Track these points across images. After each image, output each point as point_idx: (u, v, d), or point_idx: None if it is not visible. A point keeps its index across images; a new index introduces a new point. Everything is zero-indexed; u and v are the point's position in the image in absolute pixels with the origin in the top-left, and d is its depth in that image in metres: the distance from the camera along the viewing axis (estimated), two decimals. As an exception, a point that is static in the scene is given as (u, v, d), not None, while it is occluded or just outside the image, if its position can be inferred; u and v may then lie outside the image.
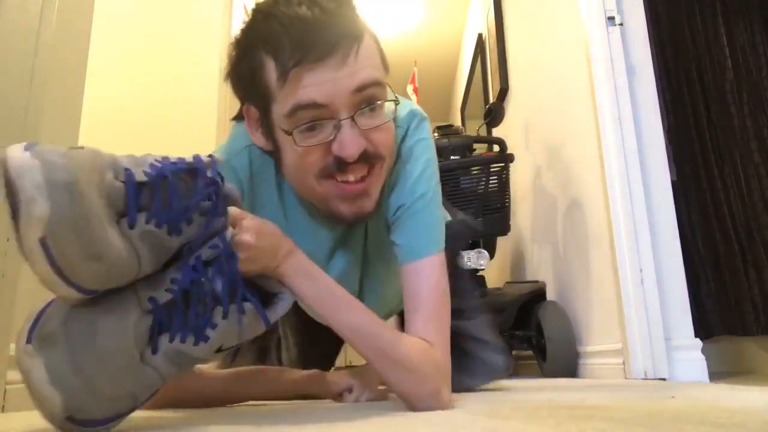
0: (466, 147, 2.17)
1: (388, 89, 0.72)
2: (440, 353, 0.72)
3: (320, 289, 0.68)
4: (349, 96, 0.67)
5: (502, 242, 2.42)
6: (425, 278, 0.76)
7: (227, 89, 2.63)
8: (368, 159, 0.71)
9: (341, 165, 0.69)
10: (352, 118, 0.67)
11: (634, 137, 1.56)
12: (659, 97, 1.64)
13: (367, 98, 0.68)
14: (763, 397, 0.78)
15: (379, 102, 0.70)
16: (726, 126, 2.03)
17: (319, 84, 0.65)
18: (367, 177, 0.72)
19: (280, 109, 0.68)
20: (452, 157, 2.12)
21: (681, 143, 2.09)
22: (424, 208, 0.79)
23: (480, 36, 3.52)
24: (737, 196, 1.97)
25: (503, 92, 2.89)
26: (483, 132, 2.52)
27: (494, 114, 2.28)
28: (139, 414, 0.58)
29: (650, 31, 1.70)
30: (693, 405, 0.67)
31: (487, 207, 2.11)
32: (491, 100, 3.18)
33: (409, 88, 3.69)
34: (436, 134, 2.19)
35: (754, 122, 2.00)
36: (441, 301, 0.76)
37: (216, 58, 2.22)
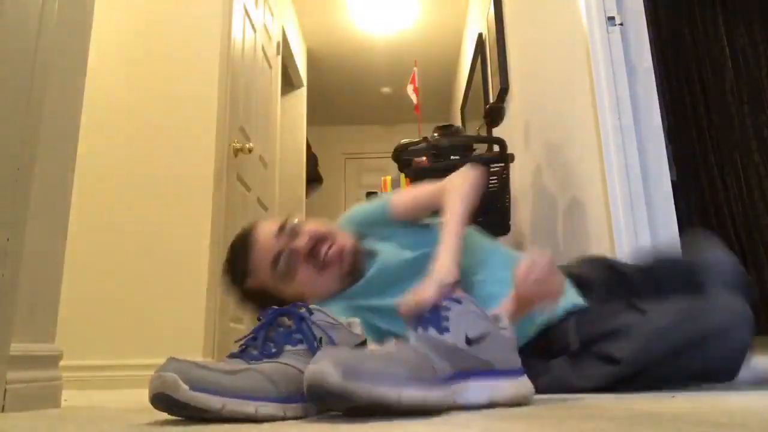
0: (466, 147, 2.17)
1: None
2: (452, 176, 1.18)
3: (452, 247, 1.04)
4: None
5: (502, 242, 2.41)
6: (408, 192, 1.23)
7: (227, 91, 2.60)
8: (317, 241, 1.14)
9: (314, 252, 1.13)
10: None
11: (634, 137, 1.56)
12: (659, 97, 1.64)
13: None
14: (763, 397, 0.78)
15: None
16: (726, 126, 2.04)
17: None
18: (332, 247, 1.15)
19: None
20: (452, 157, 2.12)
21: (681, 143, 2.09)
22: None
23: (480, 36, 3.51)
24: (737, 196, 1.97)
25: (503, 92, 2.89)
26: (483, 132, 2.52)
27: (494, 114, 2.28)
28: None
29: (650, 31, 1.70)
30: (693, 405, 0.67)
31: (487, 207, 2.10)
32: (491, 100, 3.17)
33: (409, 88, 3.68)
34: (435, 134, 2.19)
35: (754, 122, 2.00)
36: (424, 187, 1.22)
37: (216, 60, 2.22)
